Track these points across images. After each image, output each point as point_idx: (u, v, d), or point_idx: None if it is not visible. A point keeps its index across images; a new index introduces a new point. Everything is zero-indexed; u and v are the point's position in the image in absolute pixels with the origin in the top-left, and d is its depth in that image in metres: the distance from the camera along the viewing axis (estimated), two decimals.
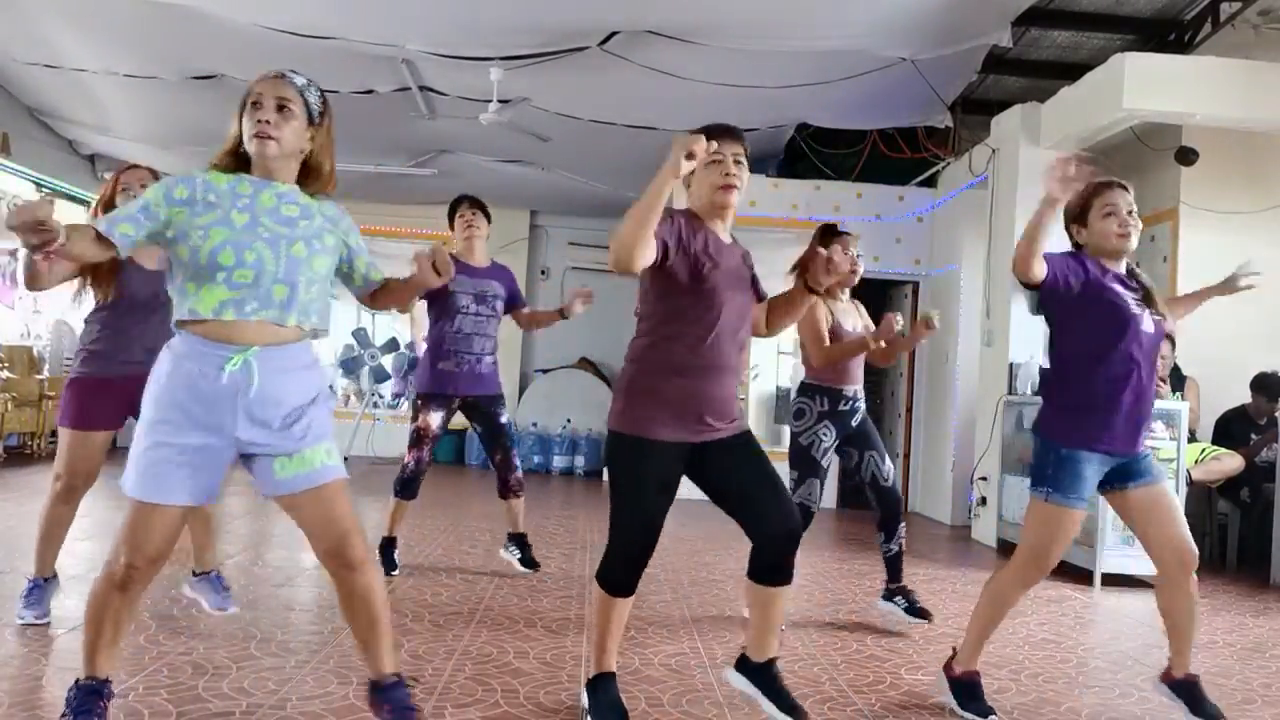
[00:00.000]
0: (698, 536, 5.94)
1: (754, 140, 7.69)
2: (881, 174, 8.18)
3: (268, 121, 2.16)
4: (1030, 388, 6.28)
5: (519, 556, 4.49)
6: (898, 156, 7.99)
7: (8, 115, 8.35)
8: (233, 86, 6.99)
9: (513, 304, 4.48)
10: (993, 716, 2.85)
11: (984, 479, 6.61)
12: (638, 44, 5.80)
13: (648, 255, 2.38)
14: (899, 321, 3.78)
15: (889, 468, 3.93)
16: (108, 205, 3.22)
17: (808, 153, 8.06)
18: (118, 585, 2.15)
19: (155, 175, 3.31)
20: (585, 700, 2.64)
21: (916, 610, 3.87)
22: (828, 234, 3.83)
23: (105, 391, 3.16)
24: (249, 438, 2.12)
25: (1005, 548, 6.19)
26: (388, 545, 4.37)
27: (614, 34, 5.71)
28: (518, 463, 4.46)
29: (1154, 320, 2.82)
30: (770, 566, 2.58)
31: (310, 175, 2.27)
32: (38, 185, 9.24)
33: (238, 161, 2.24)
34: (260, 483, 2.18)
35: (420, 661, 3.06)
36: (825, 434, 3.87)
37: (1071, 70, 6.41)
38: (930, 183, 8.27)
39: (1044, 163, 6.63)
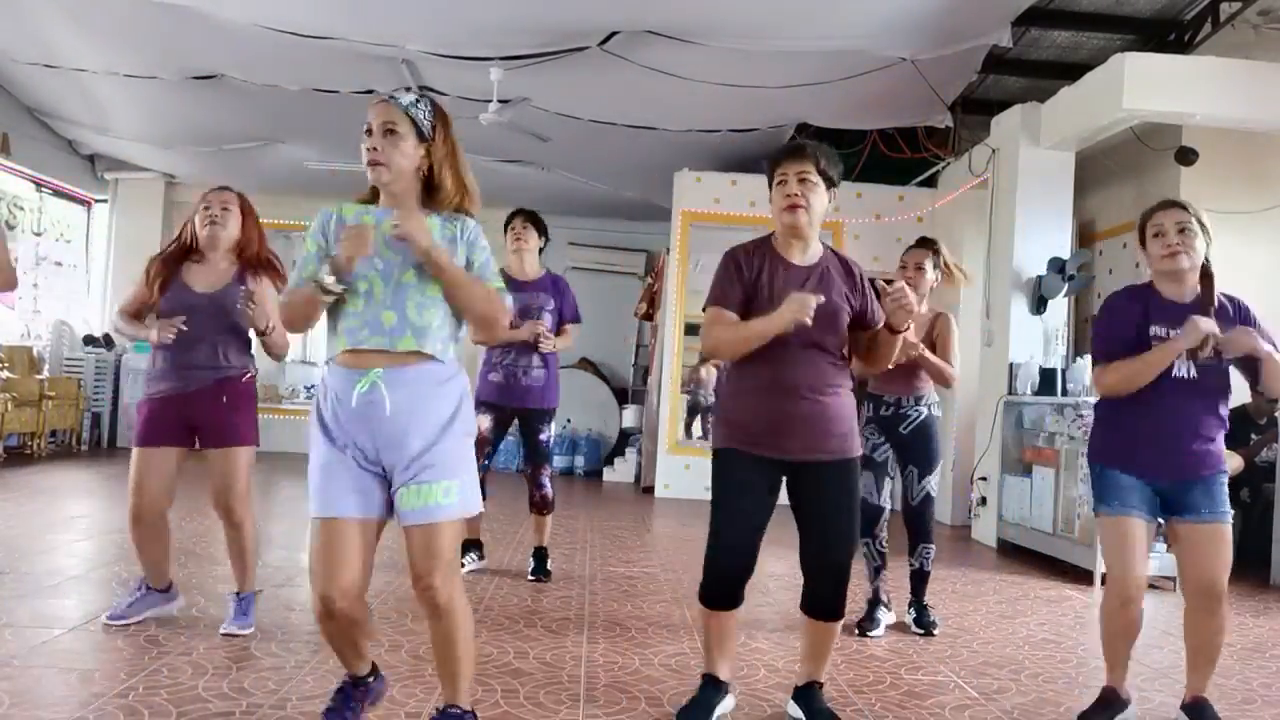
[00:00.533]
0: (698, 537, 5.93)
1: (754, 140, 7.81)
2: (881, 174, 8.18)
3: (375, 149, 2.18)
4: (1030, 388, 6.28)
5: (532, 566, 4.55)
6: (898, 156, 7.99)
7: (8, 115, 8.35)
8: (233, 86, 7.00)
9: (567, 315, 4.49)
10: None
11: (984, 479, 6.61)
12: (638, 44, 5.80)
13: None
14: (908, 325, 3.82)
15: (922, 488, 3.88)
16: (190, 226, 3.32)
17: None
18: (320, 618, 2.20)
19: (239, 195, 3.37)
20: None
21: (923, 623, 3.89)
22: (921, 245, 3.99)
23: (161, 409, 3.24)
24: (383, 458, 2.16)
25: (1005, 548, 6.20)
26: (462, 548, 4.42)
27: (614, 34, 5.71)
28: (546, 481, 4.51)
29: (1194, 365, 2.72)
30: (812, 596, 2.64)
31: (435, 190, 2.26)
32: (37, 185, 9.25)
33: (375, 194, 2.29)
34: (395, 505, 2.21)
35: (420, 662, 3.06)
36: (871, 434, 3.90)
37: (1071, 70, 6.41)
38: (930, 183, 8.27)
39: (1043, 163, 6.66)
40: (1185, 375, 2.73)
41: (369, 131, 2.20)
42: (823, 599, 2.63)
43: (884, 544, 3.93)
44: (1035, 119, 6.57)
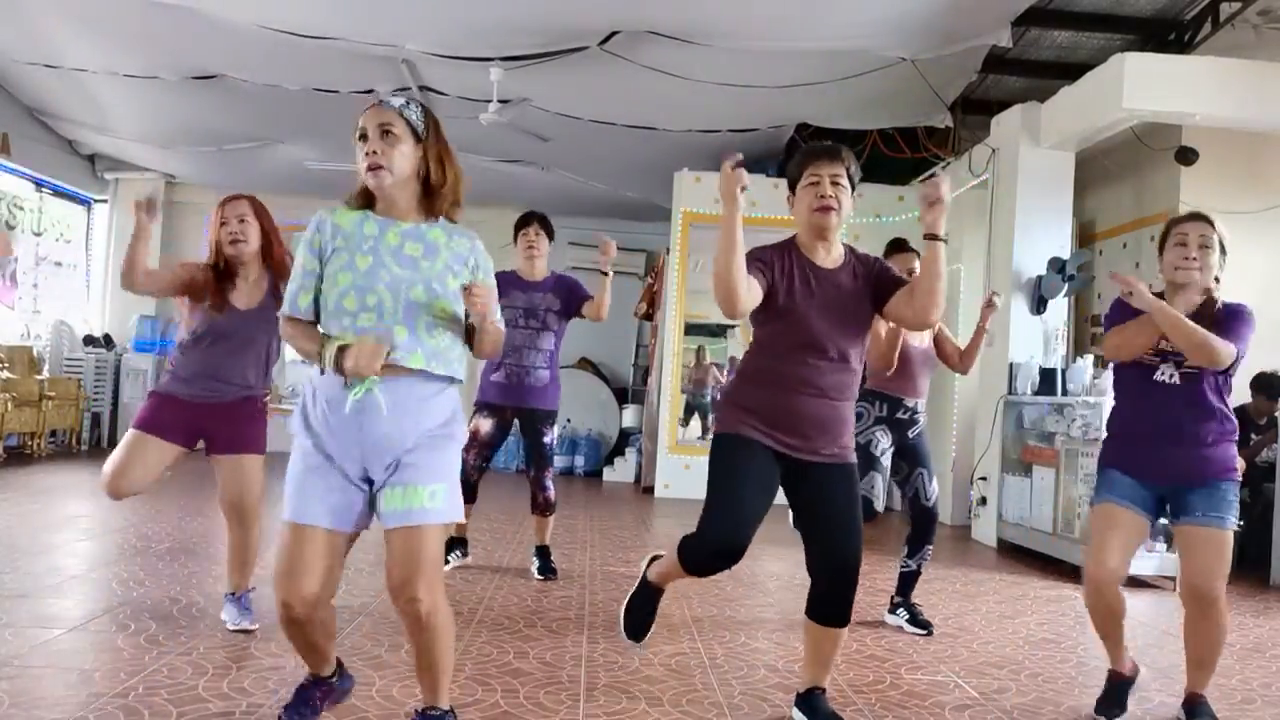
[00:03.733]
0: None
1: (754, 140, 7.81)
2: (881, 174, 8.17)
3: (375, 152, 2.14)
4: (1030, 388, 6.28)
5: (537, 565, 4.57)
6: (898, 156, 7.98)
7: (8, 115, 8.34)
8: (233, 87, 7.00)
9: (576, 306, 4.45)
10: (1120, 716, 2.92)
11: (984, 479, 6.61)
12: (638, 44, 5.80)
13: (752, 297, 2.45)
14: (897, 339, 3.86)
15: (934, 489, 3.97)
16: (216, 243, 3.31)
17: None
18: (281, 622, 2.17)
19: (250, 200, 3.35)
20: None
21: (919, 622, 3.90)
22: (895, 249, 4.03)
23: (174, 407, 3.25)
24: (370, 465, 2.14)
25: (1005, 548, 6.20)
26: (448, 544, 4.47)
27: (614, 34, 5.71)
28: (549, 483, 4.51)
29: (1179, 372, 2.79)
30: (819, 600, 2.64)
31: (432, 191, 2.24)
32: (37, 185, 9.25)
33: (368, 198, 2.24)
34: (376, 508, 2.19)
35: None
36: (881, 436, 3.93)
37: (1071, 70, 6.40)
38: None
39: (1043, 163, 6.66)
40: (1166, 380, 2.81)
41: (363, 137, 2.17)
42: (831, 605, 2.63)
43: None
44: (1035, 119, 6.57)
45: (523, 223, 4.58)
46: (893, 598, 4.03)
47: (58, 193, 9.57)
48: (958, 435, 7.50)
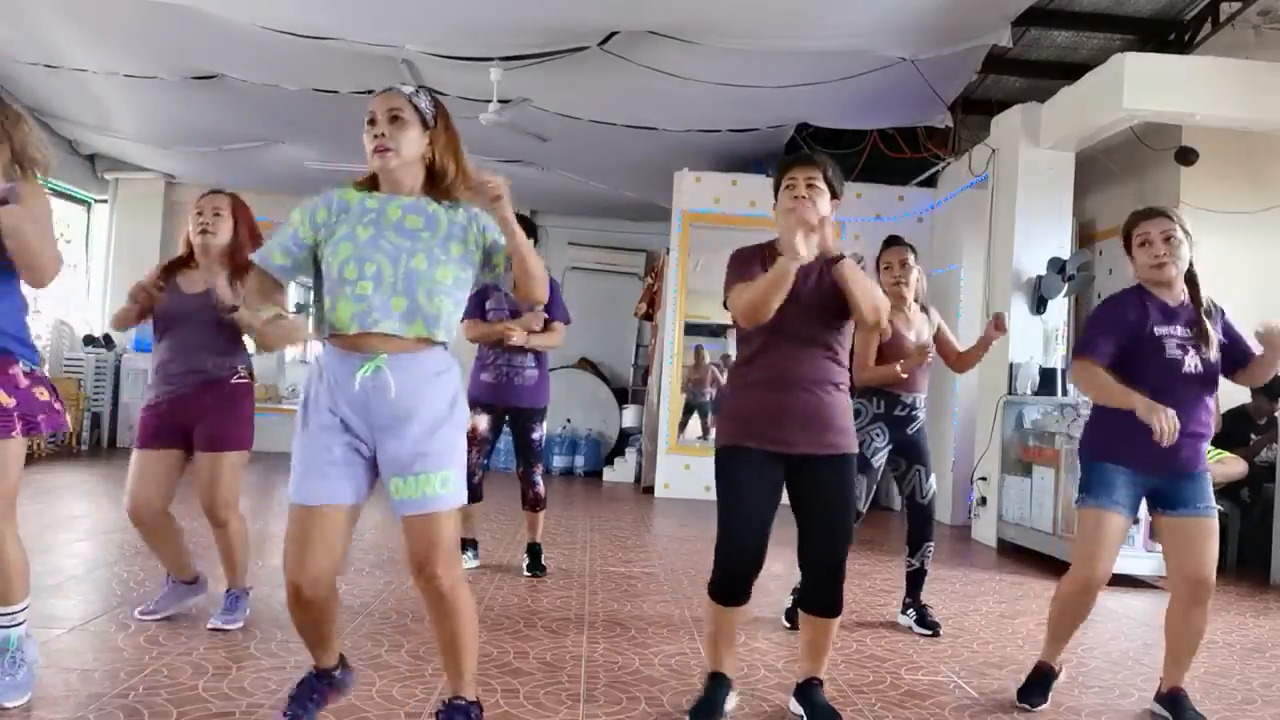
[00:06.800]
0: (698, 536, 5.95)
1: (754, 140, 7.81)
2: (881, 174, 8.18)
3: (383, 135, 2.20)
4: (1030, 388, 6.28)
5: (526, 562, 4.60)
6: (898, 156, 7.98)
7: None
8: (233, 86, 7.00)
9: (551, 318, 4.47)
10: (1041, 705, 2.97)
11: (984, 479, 6.61)
12: (638, 44, 5.80)
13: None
14: (930, 353, 3.87)
15: (931, 486, 3.96)
16: (188, 233, 3.33)
17: (808, 153, 8.05)
18: (290, 606, 2.21)
19: (231, 198, 3.36)
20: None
21: (927, 623, 3.90)
22: (888, 244, 4.05)
23: (156, 413, 3.27)
24: (380, 444, 2.17)
25: (1005, 548, 6.20)
26: (461, 544, 4.43)
27: (614, 34, 5.71)
28: (538, 479, 4.55)
29: (1200, 360, 2.81)
30: (810, 593, 2.67)
31: (436, 178, 2.28)
32: None
33: (374, 184, 2.29)
34: (388, 494, 2.22)
35: (420, 661, 3.07)
36: (878, 435, 3.93)
37: (1071, 70, 6.41)
38: (930, 183, 8.27)
39: (1043, 163, 6.66)
40: (1194, 370, 2.81)
41: (372, 121, 2.22)
42: (822, 595, 2.66)
43: None
44: (1035, 119, 6.57)
45: None
46: (904, 598, 4.04)
47: (58, 193, 9.57)
48: (958, 435, 7.50)
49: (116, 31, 6.27)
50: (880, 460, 3.93)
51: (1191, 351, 2.81)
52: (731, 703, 2.77)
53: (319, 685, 2.39)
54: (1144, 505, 2.96)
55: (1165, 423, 2.59)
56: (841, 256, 2.57)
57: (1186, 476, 2.84)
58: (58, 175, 9.34)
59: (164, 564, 3.38)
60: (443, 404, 2.22)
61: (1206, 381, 2.84)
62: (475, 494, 4.48)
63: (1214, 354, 2.82)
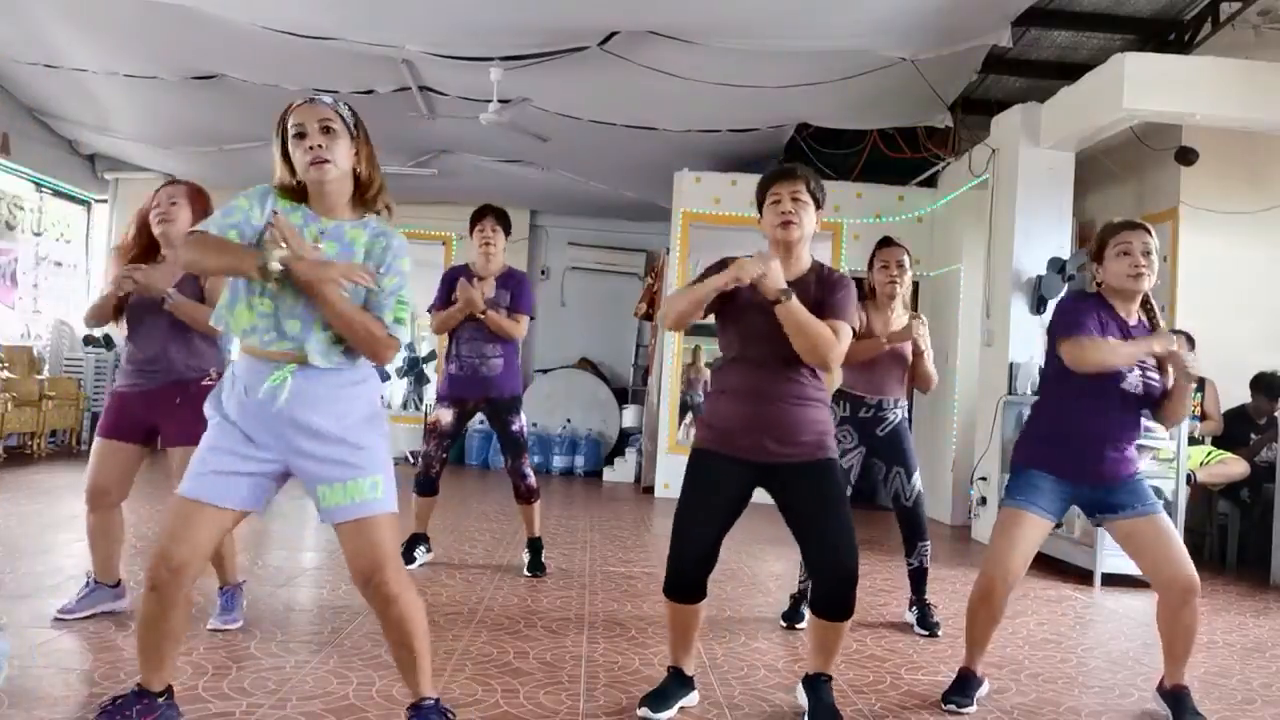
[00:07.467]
0: None
1: (754, 140, 7.81)
2: (881, 174, 8.18)
3: (319, 146, 2.14)
4: (1030, 388, 6.28)
5: (527, 561, 4.58)
6: (898, 156, 7.98)
7: (8, 115, 8.34)
8: (233, 86, 7.00)
9: (515, 309, 4.45)
10: (969, 707, 2.93)
11: (984, 479, 6.61)
12: (638, 44, 5.80)
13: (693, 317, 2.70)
14: (922, 327, 3.86)
15: (914, 487, 3.93)
16: (142, 223, 3.31)
17: (808, 153, 8.05)
18: (146, 590, 2.16)
19: (188, 186, 3.33)
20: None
21: (927, 624, 3.90)
22: (882, 244, 4.04)
23: (121, 403, 3.27)
24: (292, 457, 2.16)
25: None
26: (411, 541, 4.46)
27: (614, 34, 5.71)
28: (528, 470, 4.52)
29: (1144, 381, 2.86)
30: (824, 601, 2.67)
31: (362, 189, 2.25)
32: (37, 185, 9.25)
33: (299, 191, 2.23)
34: (316, 506, 2.21)
35: None
36: (845, 438, 3.90)
37: (1071, 70, 6.40)
38: (930, 183, 8.27)
39: (1043, 163, 6.65)
40: (1134, 390, 2.87)
41: (301, 134, 2.15)
42: (834, 600, 2.65)
43: None
44: (1035, 119, 6.57)
45: (477, 216, 4.50)
46: (909, 597, 4.03)
47: (58, 193, 9.57)
48: (958, 435, 7.50)
49: (116, 31, 6.27)
50: (852, 462, 3.91)
51: (1138, 371, 2.85)
52: (692, 699, 2.80)
53: (135, 706, 2.19)
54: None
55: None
56: (783, 299, 2.53)
57: (1118, 484, 2.89)
58: (58, 175, 9.36)
59: (93, 560, 3.34)
60: (362, 412, 2.20)
61: (1143, 401, 2.90)
62: (431, 487, 4.50)
63: (1168, 380, 2.88)
